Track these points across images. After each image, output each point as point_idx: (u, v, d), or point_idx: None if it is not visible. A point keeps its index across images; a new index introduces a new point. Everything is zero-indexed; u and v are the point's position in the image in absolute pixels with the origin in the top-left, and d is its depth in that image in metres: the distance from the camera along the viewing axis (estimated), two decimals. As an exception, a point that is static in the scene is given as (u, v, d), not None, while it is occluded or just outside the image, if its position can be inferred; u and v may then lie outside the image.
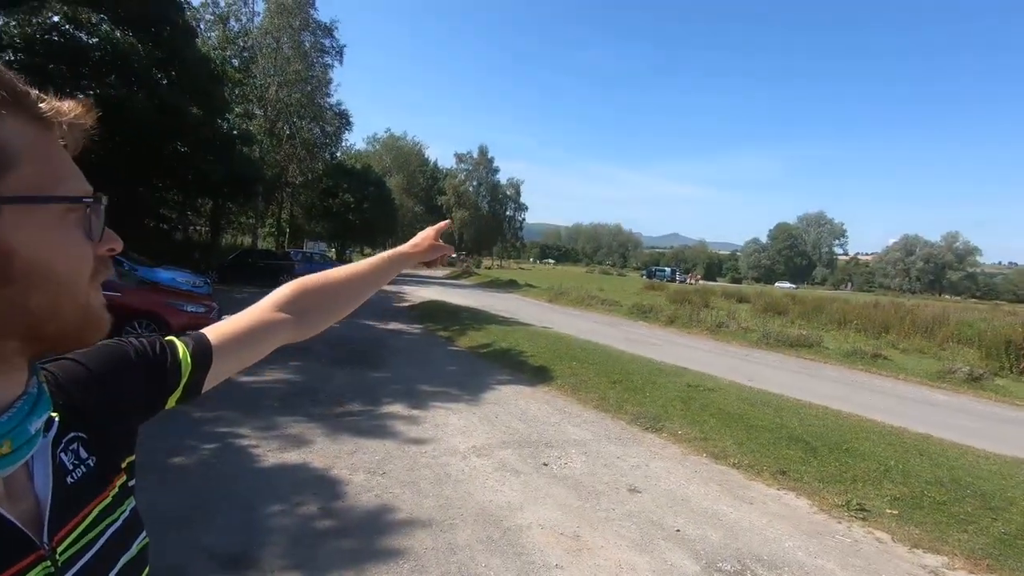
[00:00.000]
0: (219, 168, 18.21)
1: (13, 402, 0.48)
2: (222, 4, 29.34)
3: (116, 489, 0.59)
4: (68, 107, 0.47)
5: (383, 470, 4.36)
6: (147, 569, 0.62)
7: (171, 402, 0.72)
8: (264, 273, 20.17)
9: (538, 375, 8.28)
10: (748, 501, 4.37)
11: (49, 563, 0.48)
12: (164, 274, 11.89)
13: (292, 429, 5.16)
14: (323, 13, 36.07)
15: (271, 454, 4.52)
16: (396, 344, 10.33)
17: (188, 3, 19.73)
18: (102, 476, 0.57)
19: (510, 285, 32.18)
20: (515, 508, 3.88)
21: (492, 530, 3.53)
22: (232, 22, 29.57)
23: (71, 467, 0.54)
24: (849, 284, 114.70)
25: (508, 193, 70.94)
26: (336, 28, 31.57)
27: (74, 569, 0.51)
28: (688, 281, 61.61)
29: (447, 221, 1.13)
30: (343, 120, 34.66)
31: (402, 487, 4.07)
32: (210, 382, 0.75)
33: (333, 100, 33.93)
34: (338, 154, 39.64)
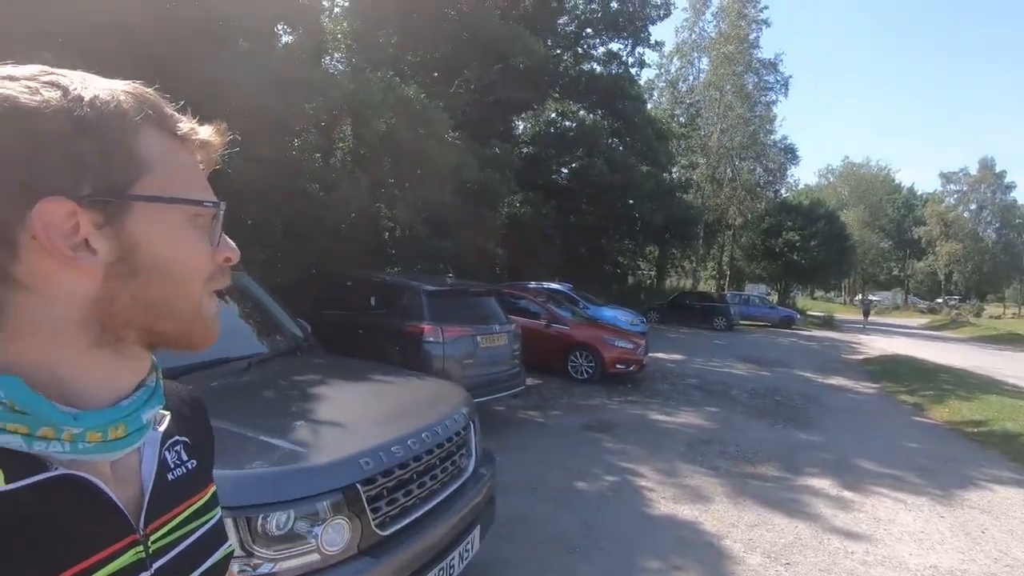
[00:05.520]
0: (659, 215, 19.83)
1: (134, 390, 0.52)
2: (672, 71, 32.44)
3: (208, 495, 0.62)
4: (203, 130, 0.53)
5: (788, 559, 3.53)
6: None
7: None
8: (699, 315, 20.61)
9: (1076, 482, 5.36)
10: None
11: (141, 548, 0.50)
12: (608, 312, 13.54)
13: (692, 480, 4.83)
14: (767, 48, 35.26)
15: (664, 502, 4.31)
16: (835, 403, 8.63)
17: (639, 75, 22.57)
18: (199, 479, 0.61)
19: (1031, 342, 22.99)
20: None
21: None
22: (680, 84, 32.26)
23: (172, 466, 0.58)
24: None
25: (1031, 216, 51.91)
26: (780, 62, 30.37)
27: (162, 560, 0.52)
28: None
29: None
30: (788, 155, 32.72)
31: (810, 590, 3.17)
32: None
33: (777, 136, 32.51)
34: (782, 191, 37.52)
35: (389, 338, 5.35)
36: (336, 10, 13.24)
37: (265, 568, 1.67)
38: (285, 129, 8.42)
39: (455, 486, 2.43)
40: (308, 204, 8.27)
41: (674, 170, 28.28)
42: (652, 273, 34.42)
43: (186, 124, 0.51)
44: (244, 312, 3.10)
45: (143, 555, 0.50)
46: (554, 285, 13.85)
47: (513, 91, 15.07)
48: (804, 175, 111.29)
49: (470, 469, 2.61)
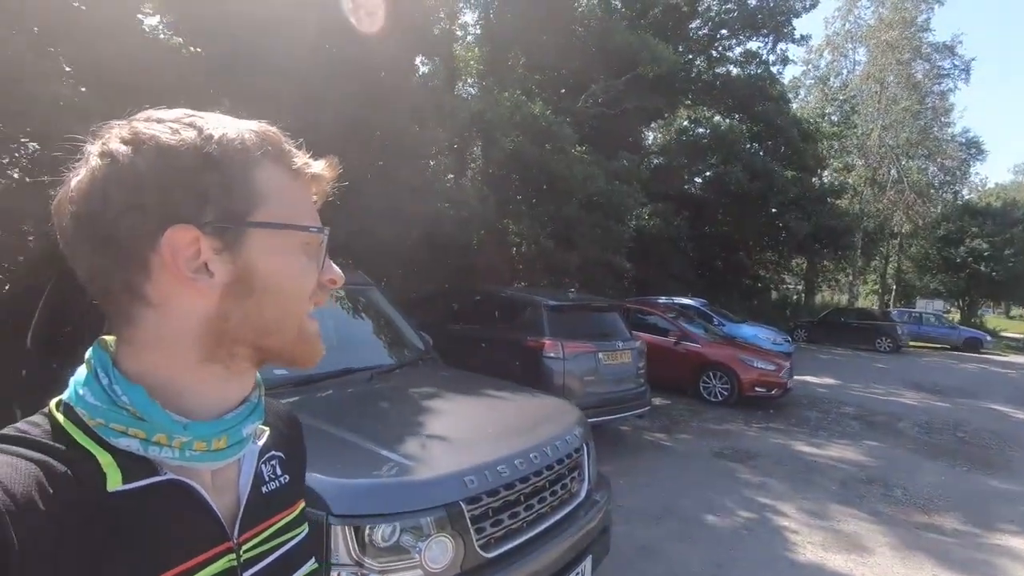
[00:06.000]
0: (806, 224, 18.09)
1: (238, 404, 0.55)
2: (822, 66, 29.55)
3: (298, 511, 0.64)
4: (316, 164, 0.57)
5: (976, 635, 2.91)
6: None
7: None
8: (857, 334, 18.32)
9: None
10: None
11: (234, 556, 0.53)
12: (748, 330, 12.49)
13: (846, 525, 4.21)
14: (941, 30, 30.62)
15: (811, 548, 3.79)
16: (1042, 445, 7.10)
17: (781, 73, 20.83)
18: (291, 494, 0.64)
19: None
20: None
21: None
22: (832, 79, 29.28)
23: (267, 479, 0.61)
24: None
25: None
26: (959, 43, 26.31)
27: (252, 570, 0.55)
28: None
29: None
30: (971, 150, 28.14)
31: None
32: None
33: (955, 129, 28.15)
34: (964, 192, 32.36)
35: (511, 352, 5.39)
36: (468, 38, 13.95)
37: (372, 578, 1.70)
38: (420, 153, 8.97)
39: (565, 511, 2.32)
40: (441, 223, 8.70)
41: (825, 174, 25.63)
42: (799, 287, 31.39)
43: (300, 159, 0.56)
44: (370, 325, 3.28)
45: (235, 563, 0.53)
46: (685, 300, 13.13)
47: (642, 101, 14.68)
48: (994, 172, 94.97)
49: (582, 494, 2.48)
